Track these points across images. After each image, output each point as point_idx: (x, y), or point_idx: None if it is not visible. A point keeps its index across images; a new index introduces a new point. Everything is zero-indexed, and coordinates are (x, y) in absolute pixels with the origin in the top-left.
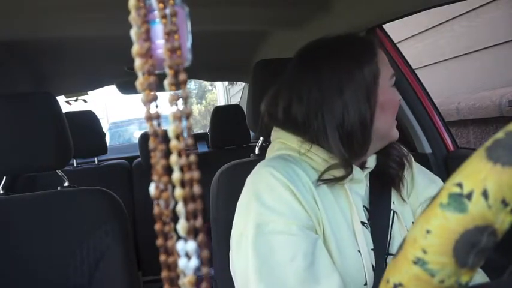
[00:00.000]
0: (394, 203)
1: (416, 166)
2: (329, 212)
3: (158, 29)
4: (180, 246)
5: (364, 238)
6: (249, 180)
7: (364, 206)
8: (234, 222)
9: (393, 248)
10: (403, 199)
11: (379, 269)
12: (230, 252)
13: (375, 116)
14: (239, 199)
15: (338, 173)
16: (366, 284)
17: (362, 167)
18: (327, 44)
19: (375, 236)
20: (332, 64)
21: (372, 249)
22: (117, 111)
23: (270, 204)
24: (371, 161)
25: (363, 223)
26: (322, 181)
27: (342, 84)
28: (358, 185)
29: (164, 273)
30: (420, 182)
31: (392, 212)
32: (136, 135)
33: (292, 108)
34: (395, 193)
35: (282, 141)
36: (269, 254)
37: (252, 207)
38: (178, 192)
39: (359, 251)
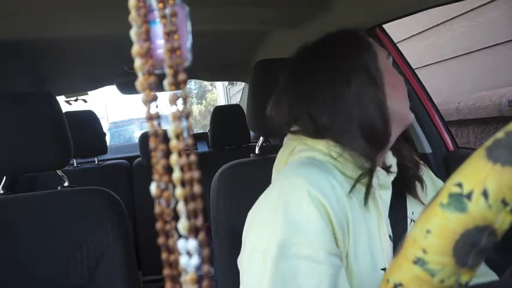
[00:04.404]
0: (413, 213)
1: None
2: (356, 227)
3: (158, 29)
4: (181, 244)
5: (391, 253)
6: (278, 188)
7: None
8: (251, 228)
9: None
10: (422, 203)
11: None
12: (240, 257)
13: (388, 97)
14: (261, 204)
15: (368, 179)
16: None
17: (387, 171)
18: (319, 43)
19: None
20: (331, 60)
21: None
22: (117, 111)
23: (298, 224)
24: (394, 166)
25: (390, 236)
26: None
27: (348, 75)
28: (385, 191)
29: (166, 271)
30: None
31: (410, 221)
32: (137, 135)
33: (312, 113)
34: (413, 201)
35: (306, 142)
36: (289, 280)
37: (278, 223)
38: (179, 191)
39: (383, 269)
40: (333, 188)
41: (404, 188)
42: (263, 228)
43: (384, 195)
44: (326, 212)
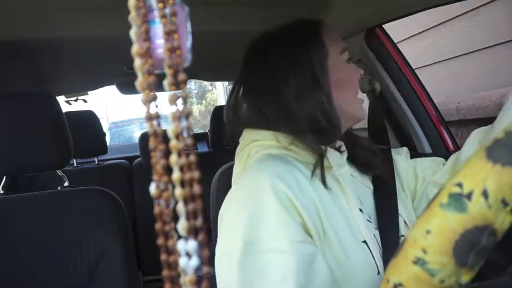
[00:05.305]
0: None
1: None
2: (326, 207)
3: (158, 29)
4: (181, 245)
5: (366, 225)
6: (242, 187)
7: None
8: (219, 230)
9: None
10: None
11: (389, 255)
12: None
13: (334, 96)
14: (225, 206)
15: (325, 162)
16: (379, 273)
17: (339, 151)
18: (270, 35)
19: (382, 226)
20: (275, 54)
21: (374, 236)
22: (117, 111)
23: (261, 220)
24: (343, 146)
25: (360, 210)
26: (317, 174)
27: (288, 72)
28: (343, 169)
29: (165, 272)
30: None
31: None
32: (137, 135)
33: (259, 105)
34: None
35: (259, 143)
36: (257, 275)
37: (241, 222)
38: (179, 192)
39: (364, 242)
40: (295, 177)
41: (369, 170)
42: (228, 228)
43: (343, 173)
44: (290, 202)
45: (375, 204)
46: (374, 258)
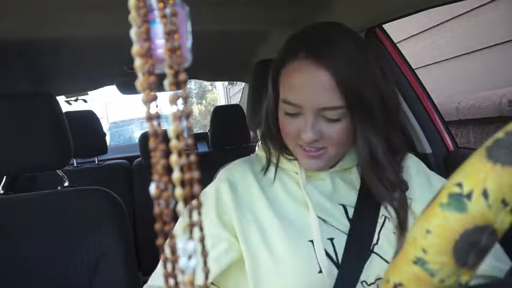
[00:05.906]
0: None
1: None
2: (281, 205)
3: (158, 29)
4: (180, 245)
5: (320, 229)
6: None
7: (342, 204)
8: None
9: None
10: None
11: (348, 261)
12: None
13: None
14: None
15: (294, 168)
16: (320, 271)
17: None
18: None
19: (354, 229)
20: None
21: (328, 239)
22: (117, 111)
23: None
24: (340, 165)
25: (319, 217)
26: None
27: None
28: (320, 181)
29: (165, 272)
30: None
31: (383, 217)
32: (137, 135)
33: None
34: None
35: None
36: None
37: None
38: (179, 192)
39: (311, 241)
40: (246, 178)
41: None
42: None
43: (319, 184)
44: (228, 195)
45: (353, 212)
46: (317, 257)
